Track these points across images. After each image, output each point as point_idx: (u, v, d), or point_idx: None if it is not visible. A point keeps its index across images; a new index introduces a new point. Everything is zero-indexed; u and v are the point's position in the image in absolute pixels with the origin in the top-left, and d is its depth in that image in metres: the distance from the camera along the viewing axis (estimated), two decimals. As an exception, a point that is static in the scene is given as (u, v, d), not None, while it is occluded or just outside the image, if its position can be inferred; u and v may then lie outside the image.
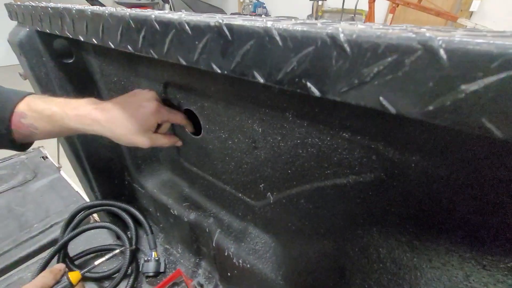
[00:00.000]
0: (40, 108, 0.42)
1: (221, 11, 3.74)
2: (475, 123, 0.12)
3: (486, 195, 0.24)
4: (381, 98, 0.15)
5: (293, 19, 0.22)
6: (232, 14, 3.37)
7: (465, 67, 0.12)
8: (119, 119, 0.43)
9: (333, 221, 0.39)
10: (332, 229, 0.39)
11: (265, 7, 4.52)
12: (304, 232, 0.44)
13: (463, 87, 0.12)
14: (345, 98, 0.16)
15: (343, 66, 0.15)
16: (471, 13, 3.18)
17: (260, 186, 0.47)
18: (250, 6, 4.55)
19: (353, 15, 3.66)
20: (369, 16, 3.25)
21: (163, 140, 0.49)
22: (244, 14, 3.30)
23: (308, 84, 0.17)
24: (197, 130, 0.52)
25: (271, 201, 0.47)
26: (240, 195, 0.52)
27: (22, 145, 0.45)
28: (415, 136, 0.26)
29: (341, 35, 0.15)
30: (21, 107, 0.42)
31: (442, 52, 0.12)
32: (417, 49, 0.13)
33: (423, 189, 0.28)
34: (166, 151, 0.66)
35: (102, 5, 2.90)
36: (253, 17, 0.24)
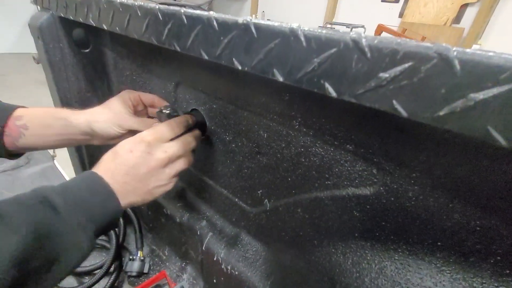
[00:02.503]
0: (37, 109, 0.43)
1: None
2: (481, 130, 0.14)
3: (479, 215, 0.25)
4: (394, 102, 0.16)
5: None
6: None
7: (476, 77, 0.13)
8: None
9: (327, 233, 0.39)
10: (326, 240, 0.39)
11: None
12: (297, 242, 0.43)
13: (472, 95, 0.13)
14: (360, 100, 0.17)
15: (362, 69, 0.16)
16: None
17: (258, 192, 0.47)
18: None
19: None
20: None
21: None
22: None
23: (326, 84, 0.18)
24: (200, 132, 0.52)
25: (267, 208, 0.47)
26: (236, 200, 0.52)
27: (8, 152, 0.43)
28: (416, 152, 0.27)
29: (363, 40, 0.16)
30: (20, 111, 0.42)
31: (456, 61, 0.13)
32: (433, 57, 0.14)
33: (419, 206, 0.28)
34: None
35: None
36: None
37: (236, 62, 0.23)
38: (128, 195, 0.35)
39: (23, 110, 0.43)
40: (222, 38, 0.23)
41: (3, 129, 0.40)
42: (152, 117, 0.52)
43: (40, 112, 0.43)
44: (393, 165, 0.29)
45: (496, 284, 0.26)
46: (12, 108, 0.42)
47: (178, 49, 0.28)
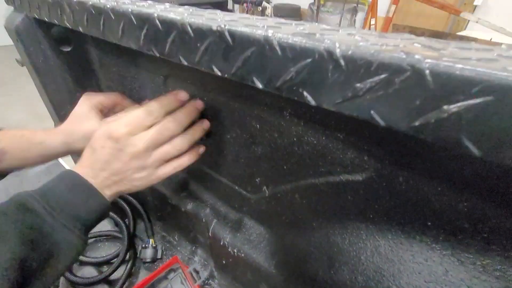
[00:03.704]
0: (14, 133, 0.43)
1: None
2: (455, 140, 0.14)
3: (466, 196, 0.25)
4: (372, 112, 0.16)
5: (293, 24, 0.23)
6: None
7: (448, 90, 0.13)
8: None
9: (325, 216, 0.40)
10: (324, 223, 0.41)
11: (268, -5, 4.40)
12: (297, 225, 0.45)
13: (445, 107, 0.13)
14: (339, 109, 0.17)
15: (338, 79, 0.16)
16: (475, 7, 3.15)
17: (256, 180, 0.49)
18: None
19: (355, 4, 3.61)
20: (372, 7, 3.20)
21: None
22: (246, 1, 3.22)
23: (305, 93, 0.18)
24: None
25: (267, 195, 0.48)
26: (236, 187, 0.54)
27: None
28: (405, 140, 0.27)
29: (338, 50, 0.16)
30: None
31: (428, 74, 0.13)
32: (407, 70, 0.14)
33: (409, 189, 0.29)
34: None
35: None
36: (255, 19, 0.24)
37: (215, 69, 0.23)
38: (112, 187, 0.35)
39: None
40: (198, 45, 0.22)
41: None
42: None
43: (17, 137, 0.43)
44: (383, 152, 0.30)
45: (482, 258, 0.27)
46: None
47: (157, 54, 0.27)
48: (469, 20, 2.75)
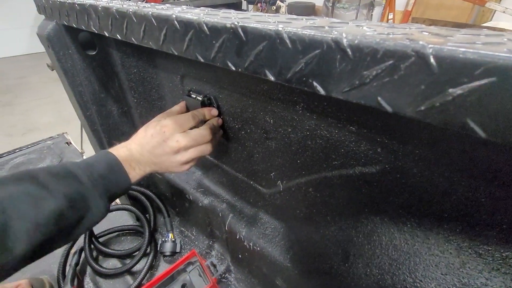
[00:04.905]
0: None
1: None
2: (460, 123, 0.14)
3: (483, 187, 0.25)
4: (379, 98, 0.16)
5: (304, 19, 0.24)
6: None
7: (452, 73, 0.13)
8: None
9: (339, 209, 0.41)
10: (338, 216, 0.41)
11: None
12: (311, 218, 0.46)
13: (450, 90, 0.14)
14: (347, 97, 0.18)
15: (345, 68, 0.17)
16: (502, -5, 2.97)
17: (271, 174, 0.50)
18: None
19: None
20: (390, 0, 3.11)
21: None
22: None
23: (315, 83, 0.19)
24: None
25: (281, 189, 0.49)
26: (251, 182, 0.55)
27: None
28: (418, 130, 0.27)
29: (344, 40, 0.16)
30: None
31: (432, 59, 0.14)
32: (411, 56, 0.14)
33: (424, 181, 0.29)
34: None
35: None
36: (267, 16, 0.25)
37: (230, 64, 0.24)
38: (148, 166, 0.44)
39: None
40: (214, 42, 0.24)
41: None
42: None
43: None
44: (397, 143, 0.30)
45: (502, 251, 0.27)
46: None
47: (175, 53, 0.29)
48: (495, 10, 2.60)
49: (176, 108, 0.51)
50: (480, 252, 0.28)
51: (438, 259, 0.31)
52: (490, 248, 0.27)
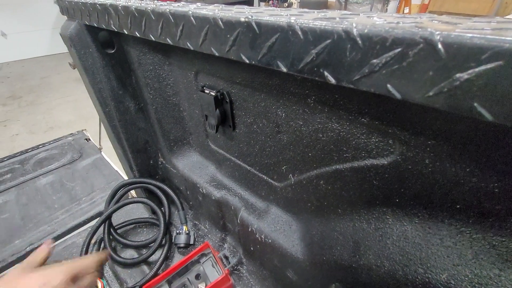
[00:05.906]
0: None
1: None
2: (468, 107, 0.14)
3: (496, 177, 0.25)
4: (388, 86, 0.17)
5: (315, 11, 0.24)
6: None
7: (459, 58, 0.14)
8: None
9: (350, 202, 0.41)
10: (349, 209, 0.41)
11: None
12: (322, 211, 0.46)
13: (458, 75, 0.14)
14: (357, 85, 0.18)
15: (355, 57, 0.18)
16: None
17: (283, 168, 0.50)
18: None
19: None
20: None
21: None
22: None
23: (325, 73, 0.20)
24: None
25: (293, 182, 0.50)
26: (263, 176, 0.56)
27: None
28: (430, 121, 0.27)
29: (354, 30, 0.17)
30: None
31: (440, 45, 0.14)
32: (419, 42, 0.15)
33: (436, 172, 0.29)
34: (196, 135, 0.71)
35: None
36: (280, 10, 0.26)
37: (243, 57, 0.25)
38: None
39: None
40: (228, 36, 0.25)
41: None
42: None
43: None
44: (408, 134, 0.30)
45: None
46: None
47: (191, 48, 0.30)
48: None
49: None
50: (494, 243, 0.28)
51: (450, 250, 0.31)
52: (504, 239, 0.27)
